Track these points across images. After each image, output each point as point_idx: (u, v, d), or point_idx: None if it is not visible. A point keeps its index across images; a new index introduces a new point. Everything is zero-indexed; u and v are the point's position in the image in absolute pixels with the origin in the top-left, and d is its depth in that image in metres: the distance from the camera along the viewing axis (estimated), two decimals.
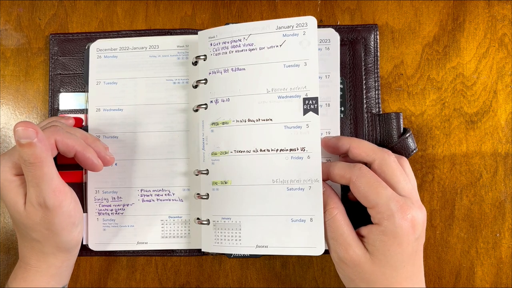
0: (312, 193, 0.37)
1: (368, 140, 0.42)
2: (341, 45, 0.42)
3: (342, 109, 0.42)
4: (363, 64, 0.43)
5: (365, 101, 0.43)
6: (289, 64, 0.39)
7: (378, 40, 0.44)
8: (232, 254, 0.41)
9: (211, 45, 0.40)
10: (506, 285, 0.43)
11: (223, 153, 0.39)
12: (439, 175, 0.44)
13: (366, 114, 0.43)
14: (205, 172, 0.40)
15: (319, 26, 0.44)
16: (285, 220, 0.38)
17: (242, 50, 0.39)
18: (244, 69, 0.39)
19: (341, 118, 0.42)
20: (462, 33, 0.44)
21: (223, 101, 0.40)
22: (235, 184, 0.39)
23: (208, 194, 0.40)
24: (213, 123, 0.40)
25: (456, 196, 0.44)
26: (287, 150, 0.38)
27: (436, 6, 0.45)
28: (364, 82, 0.43)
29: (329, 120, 0.41)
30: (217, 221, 0.39)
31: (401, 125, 0.43)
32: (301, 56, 0.38)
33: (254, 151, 0.39)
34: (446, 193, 0.44)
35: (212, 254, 0.42)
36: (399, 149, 0.42)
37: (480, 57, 0.44)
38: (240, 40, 0.39)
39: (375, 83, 0.43)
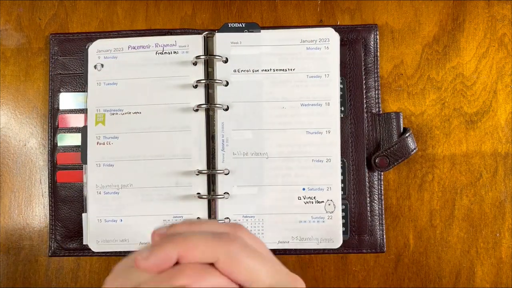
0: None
1: (368, 140, 0.43)
2: (341, 45, 0.42)
3: (342, 108, 0.42)
4: (363, 64, 0.43)
5: (365, 101, 0.43)
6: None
7: (378, 40, 0.44)
8: None
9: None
10: (506, 285, 0.43)
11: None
12: (439, 175, 0.44)
13: (366, 114, 0.43)
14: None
15: (319, 26, 0.44)
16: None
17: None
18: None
19: (341, 117, 0.42)
20: (462, 33, 0.44)
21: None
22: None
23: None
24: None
25: (456, 196, 0.44)
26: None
27: (436, 6, 0.45)
28: (364, 82, 0.43)
29: (329, 120, 0.41)
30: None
31: (401, 124, 0.43)
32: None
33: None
34: (446, 193, 0.44)
35: None
36: (399, 149, 0.42)
37: (480, 57, 0.44)
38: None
39: (375, 83, 0.43)
